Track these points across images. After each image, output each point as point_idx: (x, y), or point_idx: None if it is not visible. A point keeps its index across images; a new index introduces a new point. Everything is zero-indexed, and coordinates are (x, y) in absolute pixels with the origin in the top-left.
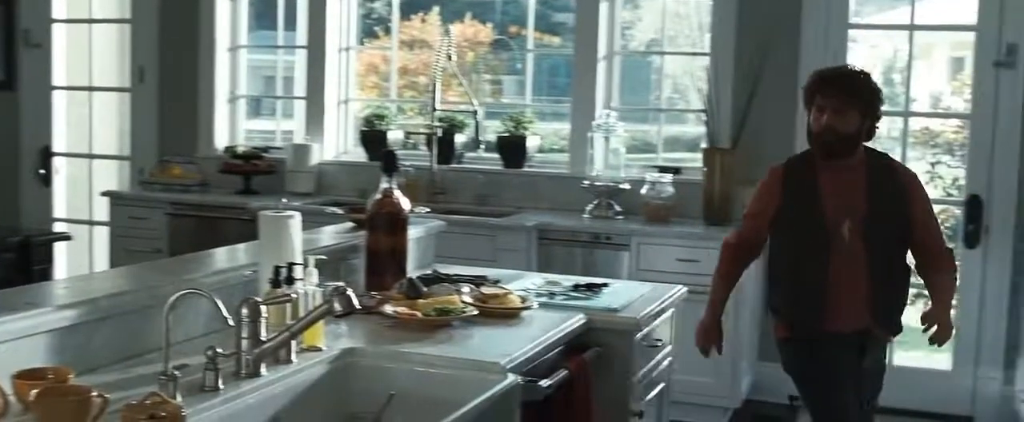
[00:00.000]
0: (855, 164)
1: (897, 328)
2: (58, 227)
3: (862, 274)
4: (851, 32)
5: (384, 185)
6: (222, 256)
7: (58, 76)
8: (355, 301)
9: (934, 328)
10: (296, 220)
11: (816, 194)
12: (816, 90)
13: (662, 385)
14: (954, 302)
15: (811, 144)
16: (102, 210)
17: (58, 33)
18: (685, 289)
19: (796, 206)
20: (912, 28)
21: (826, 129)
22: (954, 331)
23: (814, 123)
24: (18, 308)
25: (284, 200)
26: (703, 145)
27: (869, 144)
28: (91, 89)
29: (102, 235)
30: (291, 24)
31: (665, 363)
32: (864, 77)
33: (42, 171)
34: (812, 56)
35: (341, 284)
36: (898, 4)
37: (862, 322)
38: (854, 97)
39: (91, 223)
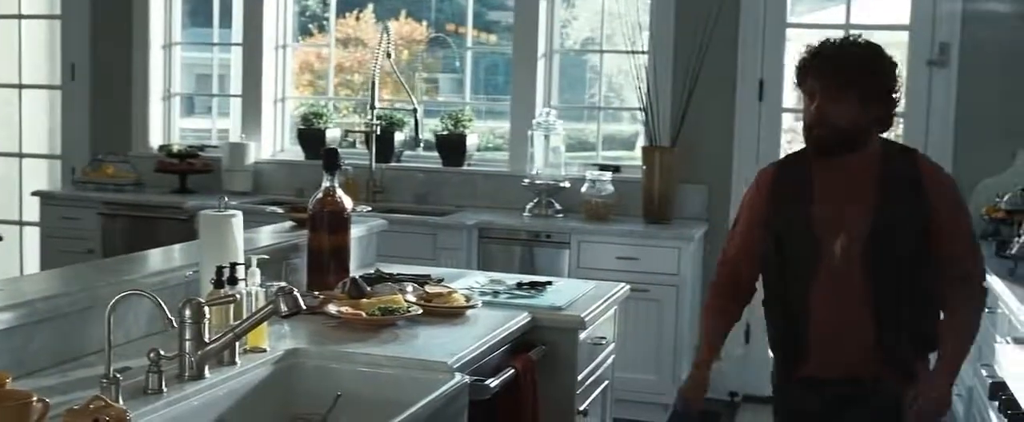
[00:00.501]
0: (864, 163)
1: (911, 373)
2: None
3: (859, 304)
4: (788, 31)
5: (326, 184)
6: (161, 256)
7: None
8: (301, 301)
9: (919, 404)
10: (238, 219)
11: (805, 201)
12: (806, 70)
13: (606, 383)
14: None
15: (805, 139)
16: (33, 210)
17: None
18: (628, 287)
19: (782, 216)
20: (848, 28)
21: (817, 119)
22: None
23: (805, 112)
24: None
25: (225, 199)
26: (641, 143)
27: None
28: (20, 86)
29: (33, 236)
30: (226, 21)
31: (609, 361)
32: (868, 51)
33: None
34: (750, 54)
35: (286, 284)
36: (828, 4)
37: (856, 368)
38: (853, 77)
39: (21, 224)
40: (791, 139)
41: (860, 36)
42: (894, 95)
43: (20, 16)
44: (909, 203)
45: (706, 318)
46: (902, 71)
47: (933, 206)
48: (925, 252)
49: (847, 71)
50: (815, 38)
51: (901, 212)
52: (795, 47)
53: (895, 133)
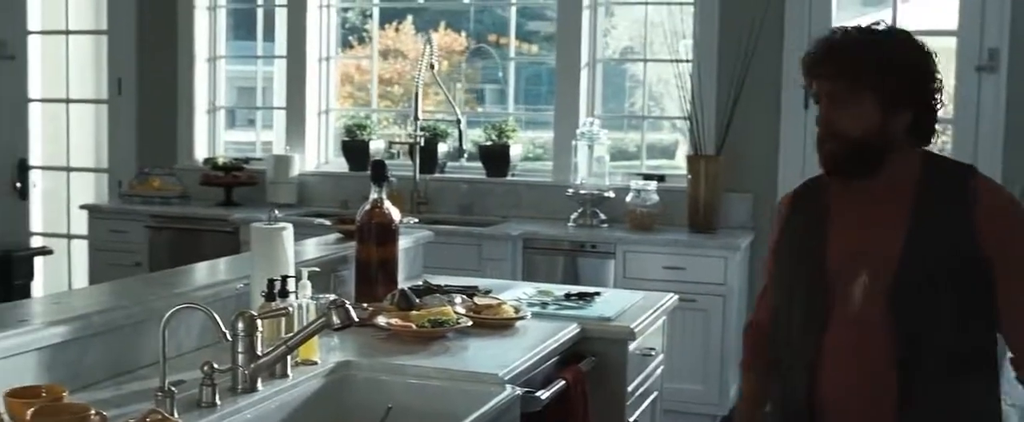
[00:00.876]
0: (895, 184)
1: None
2: (35, 241)
3: (885, 363)
4: None
5: (374, 195)
6: (212, 269)
7: (34, 88)
8: (353, 314)
9: None
10: (288, 232)
11: (819, 232)
12: (807, 71)
13: (655, 394)
14: None
15: (818, 156)
16: (80, 224)
17: (33, 44)
18: (676, 297)
19: (792, 251)
20: None
21: (823, 131)
22: None
23: (817, 121)
24: (10, 324)
25: (276, 212)
26: (682, 152)
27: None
28: (68, 101)
29: (81, 249)
30: (269, 34)
31: (658, 372)
32: (889, 40)
33: (18, 185)
34: (794, 61)
35: (338, 297)
36: (872, 10)
37: None
38: (866, 73)
39: (69, 237)
40: None
41: (881, 23)
42: (935, 96)
43: (67, 32)
44: (954, 233)
45: (743, 377)
46: (943, 68)
47: (990, 236)
48: (978, 296)
49: (857, 65)
50: None
51: (942, 244)
52: None
53: (942, 141)
